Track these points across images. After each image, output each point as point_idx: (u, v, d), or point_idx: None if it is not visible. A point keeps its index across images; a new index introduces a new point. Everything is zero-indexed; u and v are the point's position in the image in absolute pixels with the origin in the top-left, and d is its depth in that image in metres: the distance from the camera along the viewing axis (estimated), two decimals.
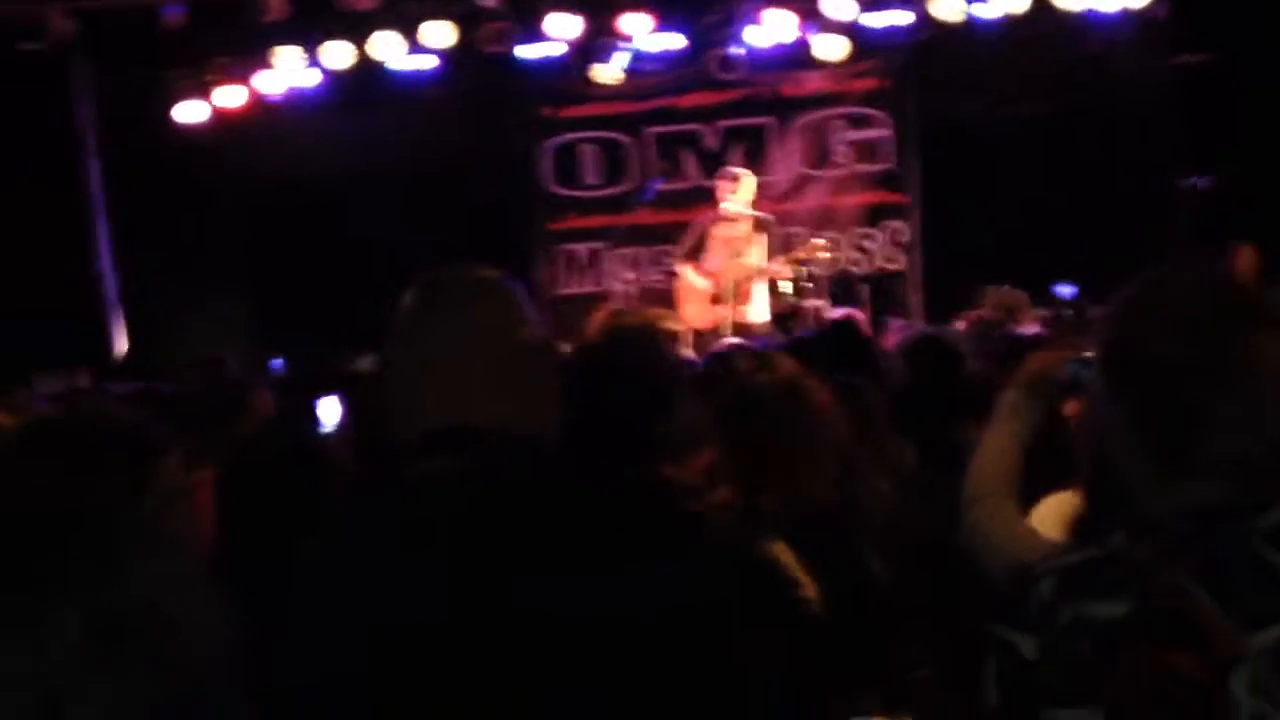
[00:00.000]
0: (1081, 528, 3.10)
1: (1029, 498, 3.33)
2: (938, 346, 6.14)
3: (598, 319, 4.86)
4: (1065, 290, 10.58)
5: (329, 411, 5.99)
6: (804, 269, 11.82)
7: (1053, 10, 12.64)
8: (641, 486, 2.28)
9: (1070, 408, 3.43)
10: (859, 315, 10.87)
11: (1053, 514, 3.37)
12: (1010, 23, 12.84)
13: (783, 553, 3.57)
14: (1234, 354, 1.93)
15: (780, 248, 11.98)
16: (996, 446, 3.27)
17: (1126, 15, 12.66)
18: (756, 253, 11.61)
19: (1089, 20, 12.77)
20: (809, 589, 3.53)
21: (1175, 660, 1.82)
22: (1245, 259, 6.78)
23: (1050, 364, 3.27)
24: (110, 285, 13.80)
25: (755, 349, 7.53)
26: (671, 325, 6.51)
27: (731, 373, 7.18)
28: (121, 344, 13.73)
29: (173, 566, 1.39)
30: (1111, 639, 1.86)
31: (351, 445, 4.71)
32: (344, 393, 5.90)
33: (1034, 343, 6.38)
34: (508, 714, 1.98)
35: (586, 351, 3.74)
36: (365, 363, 7.92)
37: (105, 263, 13.78)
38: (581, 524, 2.06)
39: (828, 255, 12.13)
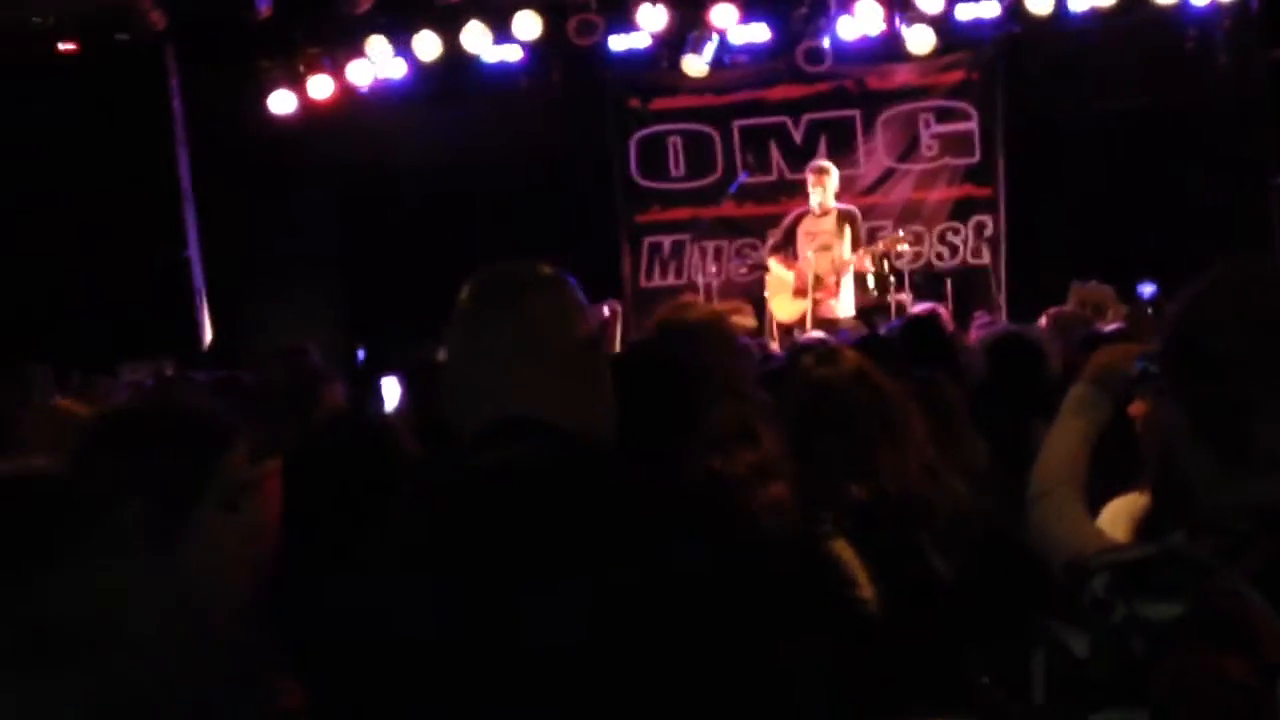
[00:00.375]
0: (1147, 527, 3.06)
1: (1095, 496, 3.28)
2: (1019, 344, 6.10)
3: (660, 311, 4.82)
4: (1146, 289, 10.44)
5: (390, 391, 6.03)
6: (886, 262, 11.75)
7: (1144, 3, 12.47)
8: (689, 482, 2.28)
9: (1136, 407, 3.38)
10: (942, 310, 10.83)
11: (1121, 514, 3.32)
12: (1100, 16, 12.69)
13: (843, 550, 3.55)
14: None
15: (866, 241, 11.94)
16: (1063, 442, 3.19)
17: (1219, 8, 12.47)
18: (842, 246, 11.58)
19: (1181, 13, 12.60)
20: (866, 589, 3.50)
21: (1225, 664, 1.78)
22: None
23: (1119, 359, 3.21)
24: (198, 273, 13.97)
25: (828, 344, 7.52)
26: (742, 320, 6.47)
27: (799, 368, 7.17)
28: (209, 332, 13.89)
29: (136, 574, 1.36)
30: (1164, 640, 1.82)
31: (411, 428, 4.72)
32: (406, 377, 5.93)
33: (1115, 339, 6.29)
34: (554, 699, 1.99)
35: (632, 345, 3.74)
36: (443, 352, 7.96)
37: (193, 251, 13.96)
38: (624, 518, 2.07)
39: (909, 249, 12.05)
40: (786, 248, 11.81)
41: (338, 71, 13.75)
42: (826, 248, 11.51)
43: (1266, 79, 12.56)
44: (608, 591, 1.98)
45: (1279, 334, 1.90)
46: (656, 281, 14.15)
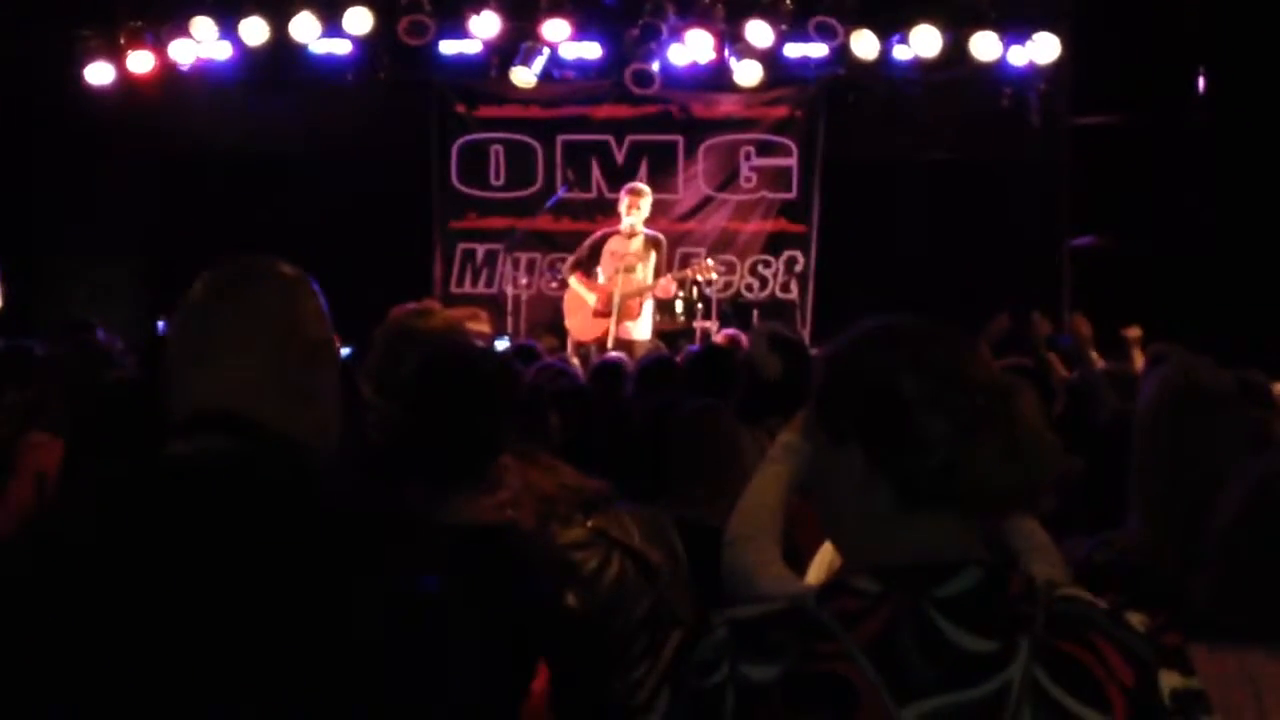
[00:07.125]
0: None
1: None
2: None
3: (394, 314, 4.80)
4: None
5: None
6: (693, 289, 11.87)
7: (964, 58, 12.76)
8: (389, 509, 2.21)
9: None
10: (744, 338, 10.94)
11: (824, 559, 3.35)
12: (922, 66, 12.95)
13: None
14: (977, 397, 1.95)
15: (671, 267, 12.04)
16: (762, 487, 3.21)
17: (1035, 70, 12.82)
18: (647, 270, 11.63)
19: (999, 72, 12.91)
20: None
21: None
22: (1081, 326, 6.91)
23: None
24: None
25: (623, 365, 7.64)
26: (478, 326, 6.46)
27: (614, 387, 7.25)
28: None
29: None
30: (756, 698, 1.83)
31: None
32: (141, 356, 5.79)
33: None
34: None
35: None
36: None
37: None
38: (308, 534, 2.02)
39: (716, 278, 12.18)
40: (589, 265, 11.81)
41: (160, 48, 13.47)
42: (631, 270, 11.54)
43: (1071, 143, 12.97)
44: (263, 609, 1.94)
45: (956, 382, 1.96)
46: (467, 289, 14.07)
